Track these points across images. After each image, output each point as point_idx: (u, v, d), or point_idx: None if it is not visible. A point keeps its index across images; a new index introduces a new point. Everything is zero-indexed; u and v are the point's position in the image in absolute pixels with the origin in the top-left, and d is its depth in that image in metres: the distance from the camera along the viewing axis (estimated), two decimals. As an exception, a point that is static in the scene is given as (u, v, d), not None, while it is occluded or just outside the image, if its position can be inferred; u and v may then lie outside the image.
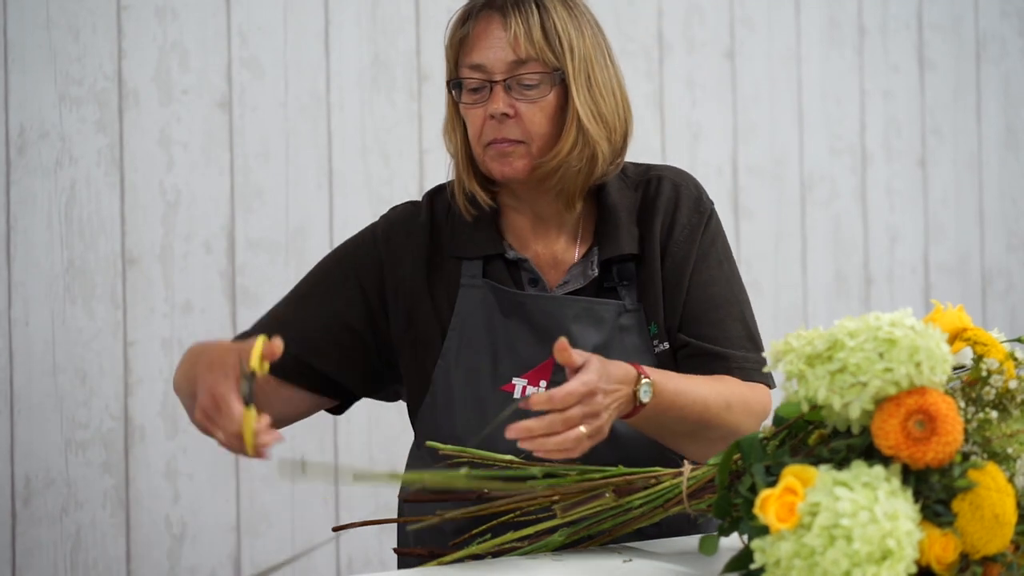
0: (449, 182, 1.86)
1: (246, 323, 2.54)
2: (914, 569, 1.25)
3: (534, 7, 1.72)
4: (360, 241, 1.86)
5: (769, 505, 1.27)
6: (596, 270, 1.78)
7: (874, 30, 3.27)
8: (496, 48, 1.71)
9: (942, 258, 3.34)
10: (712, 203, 1.86)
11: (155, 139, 2.48)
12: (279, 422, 1.76)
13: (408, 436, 2.68)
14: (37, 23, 2.39)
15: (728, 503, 1.40)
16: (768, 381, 1.78)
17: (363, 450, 2.63)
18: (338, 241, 2.63)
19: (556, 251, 1.81)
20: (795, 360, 1.32)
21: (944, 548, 1.27)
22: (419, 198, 1.92)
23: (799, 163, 3.15)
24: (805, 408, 1.33)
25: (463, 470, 1.61)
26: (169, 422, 2.47)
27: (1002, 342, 1.44)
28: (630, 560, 1.52)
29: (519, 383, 1.74)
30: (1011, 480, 1.32)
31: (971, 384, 1.39)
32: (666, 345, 1.78)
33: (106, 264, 2.43)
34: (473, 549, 1.56)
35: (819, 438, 1.38)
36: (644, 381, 1.58)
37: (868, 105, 3.26)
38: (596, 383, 1.50)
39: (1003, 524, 1.28)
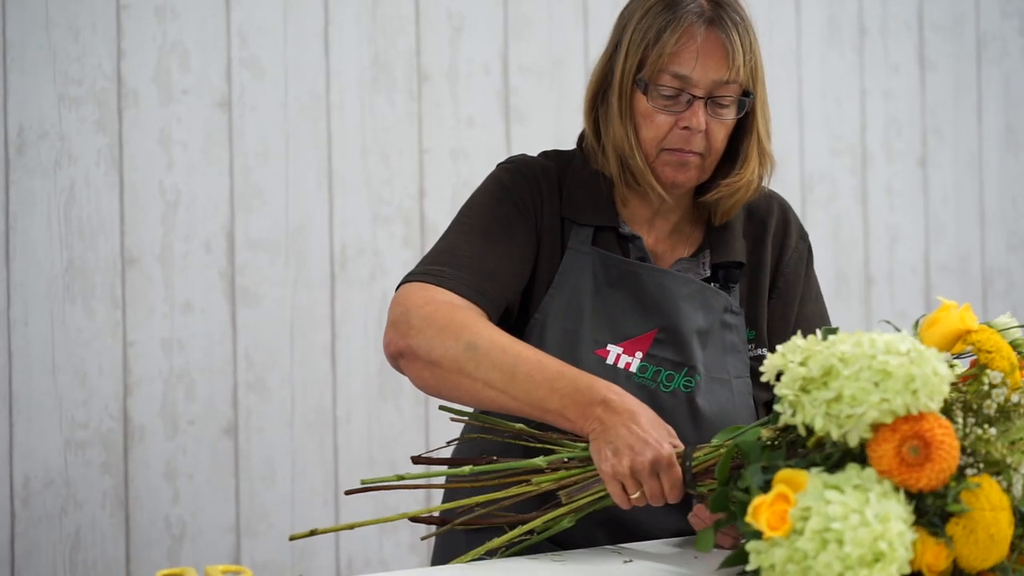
0: (573, 151, 1.86)
1: (246, 323, 2.54)
2: (907, 569, 1.24)
3: (743, 27, 1.74)
4: (511, 178, 1.82)
5: (761, 513, 1.27)
6: (708, 270, 1.82)
7: (874, 30, 3.27)
8: (709, 67, 1.72)
9: (942, 258, 3.34)
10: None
11: (155, 139, 2.48)
12: None
13: (408, 436, 2.68)
14: (37, 23, 2.39)
15: (726, 498, 1.40)
16: None
17: (363, 450, 2.63)
18: (337, 241, 2.63)
19: (666, 244, 1.84)
20: (790, 385, 1.32)
21: (936, 556, 1.27)
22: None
23: (799, 163, 3.15)
24: (803, 432, 1.33)
25: (466, 468, 1.62)
26: (168, 422, 2.47)
27: (1008, 328, 1.43)
28: (630, 560, 1.52)
29: (614, 350, 1.75)
30: (1008, 489, 1.32)
31: (969, 380, 1.39)
32: (761, 352, 1.82)
33: (106, 264, 2.43)
34: (488, 546, 1.58)
35: (817, 441, 1.38)
36: None
37: (868, 105, 3.26)
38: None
39: (998, 542, 1.28)
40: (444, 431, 2.69)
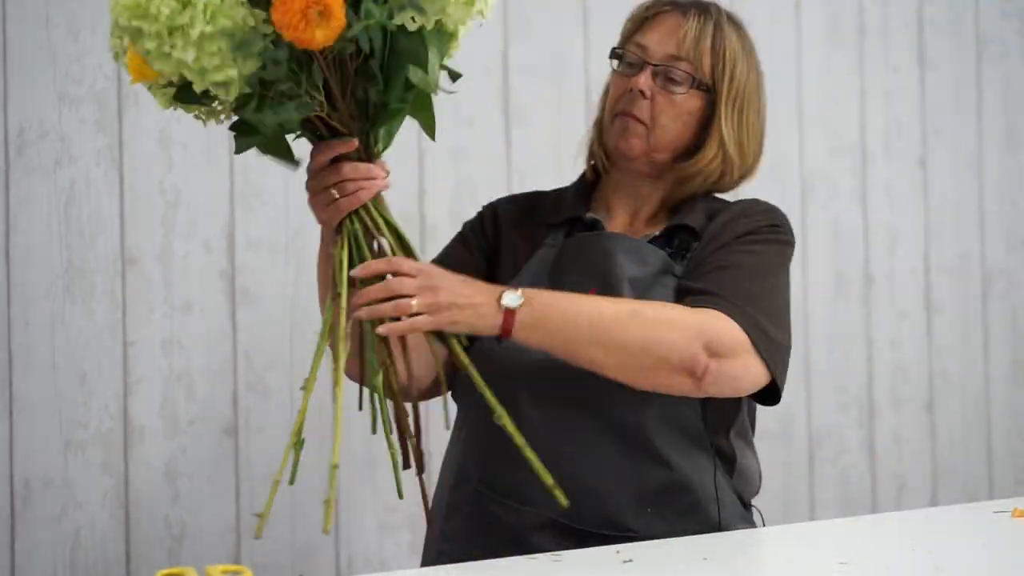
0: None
1: (246, 323, 2.54)
2: None
3: (712, 25, 1.86)
4: (468, 222, 2.03)
5: None
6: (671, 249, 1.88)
7: (874, 30, 3.27)
8: (663, 38, 1.85)
9: (942, 258, 3.34)
10: (790, 230, 1.93)
11: (155, 139, 2.48)
12: (419, 386, 1.87)
13: (408, 436, 2.68)
14: (37, 23, 2.39)
15: None
16: (739, 320, 1.76)
17: (363, 449, 2.63)
18: (338, 241, 2.63)
19: (636, 226, 1.92)
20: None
21: None
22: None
23: (799, 163, 3.15)
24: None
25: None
26: (169, 422, 2.47)
27: None
28: (630, 560, 1.52)
29: None
30: None
31: None
32: None
33: (106, 264, 2.43)
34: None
35: None
36: (509, 292, 1.67)
37: (868, 105, 3.26)
38: (429, 269, 1.67)
39: None
40: (440, 432, 2.69)
